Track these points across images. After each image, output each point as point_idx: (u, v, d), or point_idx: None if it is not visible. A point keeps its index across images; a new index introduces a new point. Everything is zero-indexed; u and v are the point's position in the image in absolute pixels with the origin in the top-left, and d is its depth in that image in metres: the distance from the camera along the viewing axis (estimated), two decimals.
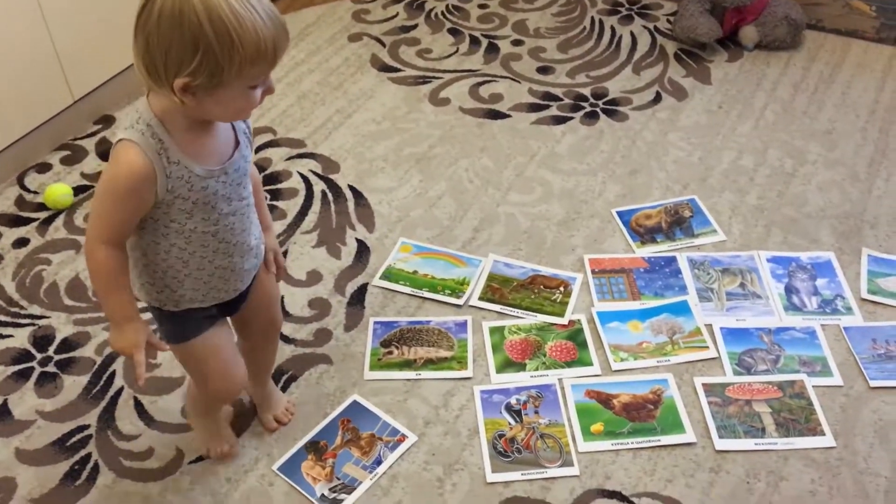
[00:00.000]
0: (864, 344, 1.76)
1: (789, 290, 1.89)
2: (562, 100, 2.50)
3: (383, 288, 1.93)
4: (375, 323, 1.85)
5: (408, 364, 1.76)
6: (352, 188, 2.21)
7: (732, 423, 1.62)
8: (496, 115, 2.45)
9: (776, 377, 1.70)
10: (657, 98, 2.49)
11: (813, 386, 1.68)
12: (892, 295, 1.87)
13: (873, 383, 1.68)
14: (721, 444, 1.59)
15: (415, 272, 1.96)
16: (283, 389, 1.71)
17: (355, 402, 1.68)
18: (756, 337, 1.79)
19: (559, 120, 2.42)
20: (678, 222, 2.07)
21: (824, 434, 1.60)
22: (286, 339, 1.81)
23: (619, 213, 2.10)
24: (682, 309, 1.85)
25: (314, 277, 1.97)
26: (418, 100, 2.51)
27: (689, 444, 1.59)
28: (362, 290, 1.93)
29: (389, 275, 1.96)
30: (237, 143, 1.21)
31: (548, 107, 2.47)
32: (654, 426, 1.62)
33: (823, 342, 1.77)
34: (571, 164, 2.27)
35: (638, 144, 2.33)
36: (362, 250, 2.03)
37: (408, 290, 1.92)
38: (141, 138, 1.11)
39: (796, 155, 2.27)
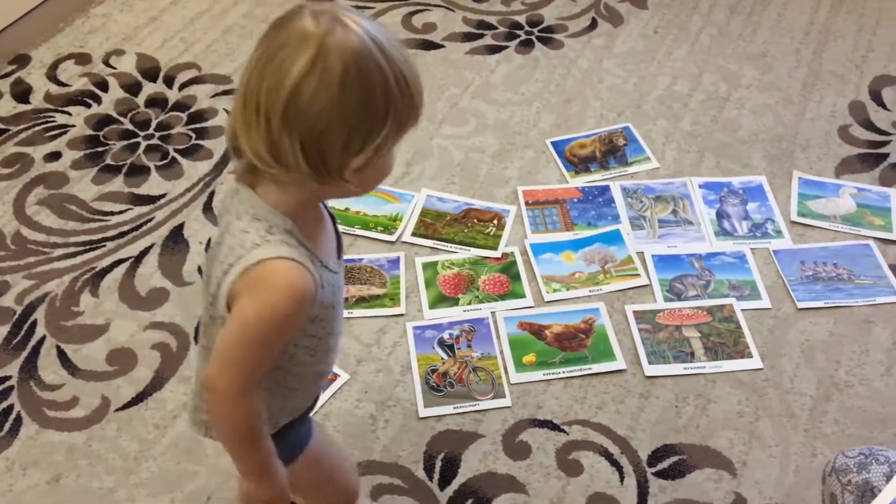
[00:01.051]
0: (793, 266, 1.78)
1: (720, 216, 1.89)
2: (496, 28, 2.44)
3: None
4: None
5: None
6: None
7: (662, 349, 1.63)
8: (429, 45, 2.38)
9: (706, 302, 1.71)
10: (593, 24, 2.44)
11: (742, 309, 1.70)
12: (822, 217, 1.88)
13: (801, 304, 1.71)
14: (650, 369, 1.60)
15: (346, 209, 1.92)
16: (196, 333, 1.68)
17: None
18: (687, 263, 1.79)
19: (494, 49, 2.37)
20: (612, 151, 2.05)
21: (752, 356, 1.62)
22: None
23: (554, 144, 2.08)
24: (615, 238, 1.84)
25: None
26: None
27: (619, 372, 1.60)
28: None
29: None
30: (333, 221, 1.03)
31: (482, 36, 2.42)
32: (585, 355, 1.63)
33: (753, 266, 1.78)
34: (506, 94, 2.23)
35: (573, 73, 2.29)
36: None
37: (340, 227, 1.88)
38: (292, 251, 0.86)
39: (731, 79, 2.25)
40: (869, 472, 1.03)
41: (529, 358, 1.63)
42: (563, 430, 1.52)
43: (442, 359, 1.63)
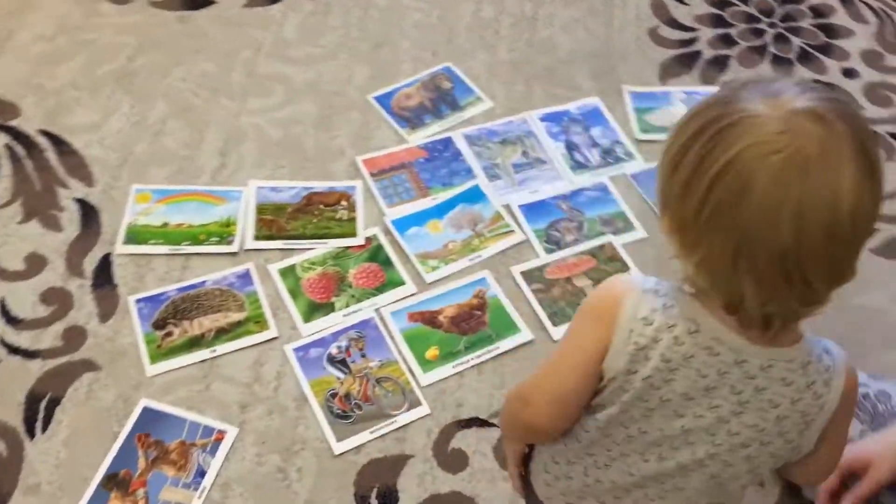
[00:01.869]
0: (652, 187, 1.74)
1: (570, 148, 1.81)
2: None
3: (132, 255, 1.57)
4: (138, 301, 1.50)
5: (196, 342, 1.46)
6: (45, 133, 1.74)
7: (561, 307, 1.54)
8: (197, 3, 2.03)
9: (586, 245, 1.64)
10: None
11: (622, 245, 1.65)
12: (663, 129, 1.86)
13: None
14: (556, 332, 1.51)
15: (165, 224, 1.61)
16: (47, 417, 1.35)
17: (147, 409, 1.37)
18: (554, 207, 1.70)
19: None
20: (441, 97, 1.88)
21: None
22: (27, 354, 1.42)
23: (378, 99, 1.87)
24: (476, 195, 1.70)
25: (36, 262, 1.55)
26: (93, 0, 2.01)
27: (527, 344, 1.50)
28: (106, 263, 1.55)
29: (134, 236, 1.59)
30: None
31: None
32: (488, 333, 1.50)
33: (617, 196, 1.73)
34: (305, 49, 1.96)
35: (371, 13, 2.06)
36: (88, 212, 1.62)
37: (164, 248, 1.57)
38: None
39: None
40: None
41: (432, 352, 1.47)
42: (492, 425, 1.40)
43: (338, 378, 1.43)
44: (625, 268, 1.60)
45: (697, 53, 2.04)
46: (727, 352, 0.77)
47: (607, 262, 1.61)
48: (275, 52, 1.94)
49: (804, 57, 2.04)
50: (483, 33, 2.04)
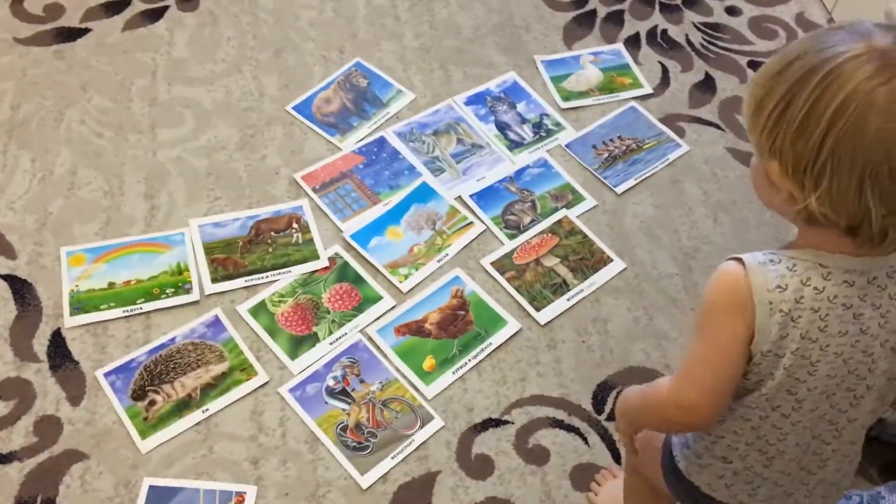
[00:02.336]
0: (589, 154, 1.78)
1: (501, 128, 1.81)
2: None
3: (85, 325, 1.45)
4: (107, 375, 1.39)
5: (184, 405, 1.37)
6: None
7: (538, 290, 1.56)
8: (71, 34, 1.86)
9: (545, 224, 1.65)
10: None
11: (576, 217, 1.67)
12: (582, 94, 1.89)
13: (619, 189, 1.72)
14: (542, 316, 1.53)
15: (111, 285, 1.49)
16: None
17: (154, 488, 1.28)
18: (504, 190, 1.70)
19: (153, 15, 1.92)
20: (361, 95, 1.83)
21: (612, 259, 1.62)
22: (1, 459, 1.29)
23: (297, 109, 1.79)
24: (426, 192, 1.68)
25: None
26: None
27: (517, 334, 1.50)
28: (58, 340, 1.42)
29: (81, 304, 1.46)
30: None
31: (126, 3, 1.94)
32: (477, 332, 1.50)
33: (559, 168, 1.75)
34: (204, 66, 1.84)
35: (262, 17, 1.96)
36: (20, 288, 1.48)
37: (118, 311, 1.46)
38: None
39: None
40: None
41: (429, 362, 1.45)
42: (506, 422, 1.40)
43: (343, 410, 1.39)
44: (586, 239, 1.63)
45: (593, 13, 2.07)
46: (859, 276, 0.83)
47: (568, 237, 1.64)
48: (172, 75, 1.82)
49: (689, 1, 2.12)
50: (384, 22, 1.98)
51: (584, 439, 1.40)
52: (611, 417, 1.42)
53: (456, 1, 2.06)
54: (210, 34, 1.90)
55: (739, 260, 0.84)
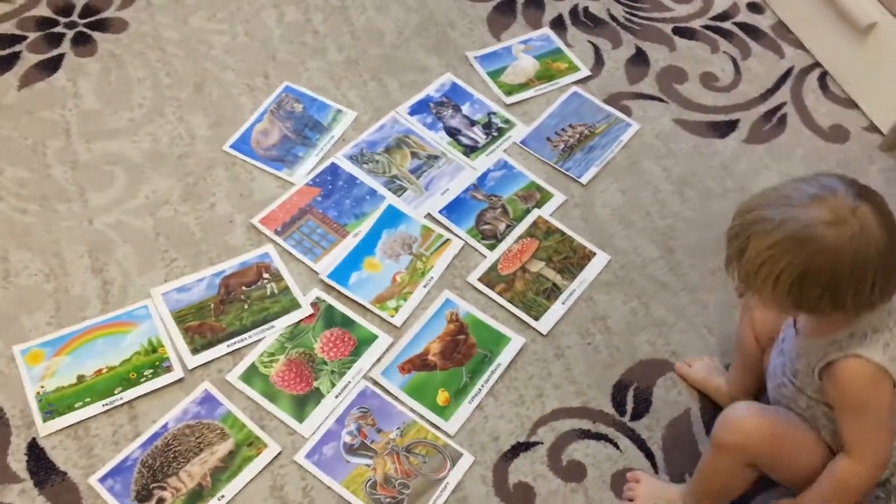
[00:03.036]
0: (545, 147, 1.74)
1: (451, 134, 1.74)
2: (26, 37, 1.79)
3: (63, 429, 1.30)
4: (102, 481, 1.26)
5: (196, 495, 1.26)
6: None
7: (531, 297, 1.52)
8: None
9: (521, 228, 1.61)
10: None
11: (549, 215, 1.63)
12: (523, 86, 1.84)
13: (583, 179, 1.70)
14: (542, 325, 1.48)
15: (81, 378, 1.35)
16: None
17: None
18: (471, 200, 1.64)
19: (49, 66, 1.74)
20: (299, 121, 1.72)
21: (595, 253, 1.59)
22: None
23: (235, 147, 1.67)
24: (394, 216, 1.60)
25: None
26: None
27: (523, 349, 1.46)
28: (36, 452, 1.28)
29: (53, 406, 1.31)
30: None
31: (16, 57, 1.75)
32: (483, 354, 1.44)
33: (520, 167, 1.70)
34: (120, 115, 1.69)
35: (170, 50, 1.81)
36: None
37: (97, 407, 1.32)
38: None
39: None
40: None
41: (443, 397, 1.39)
42: (535, 443, 1.36)
43: (368, 466, 1.31)
44: (565, 237, 1.60)
45: (513, 0, 2.02)
46: None
47: (547, 237, 1.60)
48: (88, 131, 1.65)
49: None
50: (302, 39, 1.87)
51: (615, 445, 1.37)
52: (635, 417, 1.40)
53: (371, 4, 1.96)
54: (118, 78, 1.74)
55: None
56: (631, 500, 1.30)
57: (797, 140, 1.81)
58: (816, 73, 1.94)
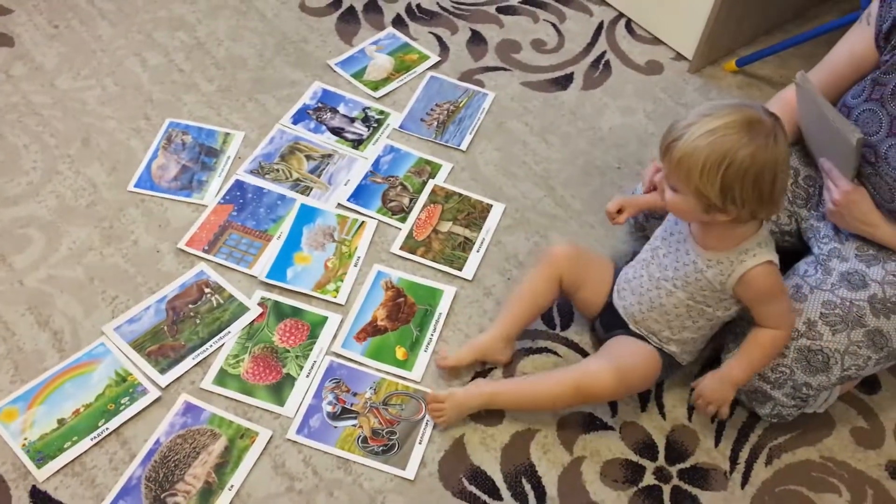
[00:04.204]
0: (421, 127, 1.93)
1: (336, 133, 1.90)
2: None
3: (60, 470, 1.35)
4: None
5: (208, 492, 1.34)
6: None
7: (449, 252, 1.69)
8: None
9: (423, 198, 1.78)
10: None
11: (443, 182, 1.82)
12: (385, 80, 2.03)
13: (462, 146, 1.90)
14: (466, 272, 1.67)
15: (61, 422, 1.40)
16: None
17: None
18: (372, 184, 1.81)
19: None
20: (192, 150, 1.82)
21: (491, 205, 1.79)
22: None
23: (140, 185, 1.75)
24: (308, 212, 1.73)
25: None
26: None
27: (456, 297, 1.63)
28: (41, 498, 1.32)
29: (43, 453, 1.36)
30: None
31: None
32: (424, 308, 1.61)
33: (405, 148, 1.88)
34: (17, 181, 1.73)
35: (47, 112, 1.85)
36: None
37: (87, 442, 1.38)
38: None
39: (176, 26, 2.09)
40: None
41: (401, 353, 1.54)
42: (490, 369, 1.54)
43: (355, 426, 1.44)
44: (463, 197, 1.79)
45: (352, 8, 2.20)
46: None
47: (448, 200, 1.79)
48: None
49: None
50: (171, 78, 1.97)
51: (556, 353, 1.57)
52: (564, 327, 1.61)
53: (226, 36, 2.08)
54: (2, 148, 1.77)
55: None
56: (443, 421, 1.43)
57: (624, 79, 2.11)
58: (622, 21, 2.25)
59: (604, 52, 2.17)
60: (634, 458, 1.45)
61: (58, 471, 1.34)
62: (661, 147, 1.22)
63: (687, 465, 1.45)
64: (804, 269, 1.46)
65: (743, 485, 1.44)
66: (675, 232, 1.38)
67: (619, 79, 2.10)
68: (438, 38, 2.15)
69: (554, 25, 2.23)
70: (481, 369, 1.53)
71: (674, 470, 1.44)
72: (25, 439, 1.36)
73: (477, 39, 2.16)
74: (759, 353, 1.37)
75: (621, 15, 2.27)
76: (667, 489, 1.42)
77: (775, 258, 1.31)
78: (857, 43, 1.43)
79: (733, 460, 1.46)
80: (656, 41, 2.20)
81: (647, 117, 2.01)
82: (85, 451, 1.37)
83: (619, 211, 1.51)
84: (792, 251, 1.59)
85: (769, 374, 1.38)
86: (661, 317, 1.41)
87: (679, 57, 2.17)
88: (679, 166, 1.19)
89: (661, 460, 1.45)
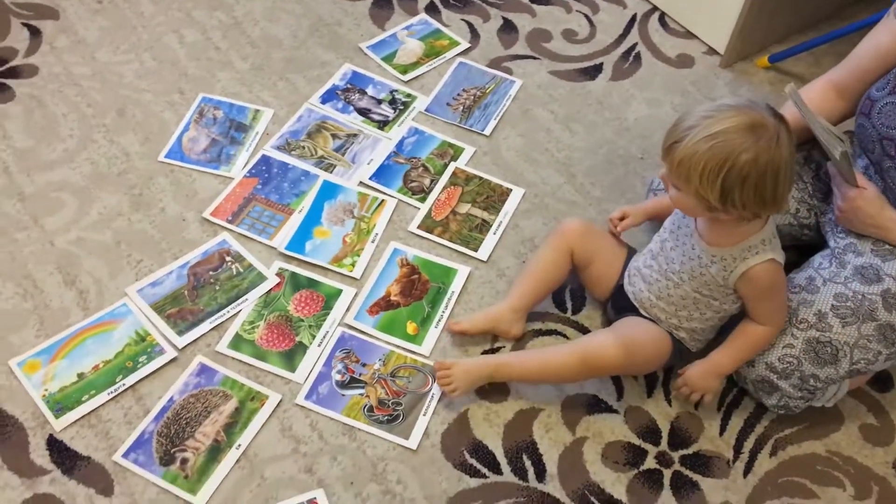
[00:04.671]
0: (446, 111, 1.96)
1: (363, 114, 1.93)
2: None
3: (76, 421, 1.40)
4: (125, 456, 1.38)
5: (216, 450, 1.39)
6: None
7: (466, 233, 1.72)
8: None
9: (444, 180, 1.81)
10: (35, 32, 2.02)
11: (465, 165, 1.85)
12: (414, 64, 2.06)
13: (486, 131, 1.92)
14: (481, 253, 1.69)
15: (81, 376, 1.45)
16: None
17: None
18: (395, 164, 1.84)
19: None
20: (223, 125, 1.87)
21: (511, 189, 1.81)
22: None
23: (170, 156, 1.80)
24: (330, 189, 1.77)
25: None
26: None
27: (470, 277, 1.66)
28: (58, 446, 1.38)
29: (61, 404, 1.42)
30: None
31: None
32: (437, 286, 1.63)
33: (430, 131, 1.91)
34: (54, 147, 1.79)
35: (86, 84, 1.92)
36: None
37: (104, 395, 1.43)
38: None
39: (216, 5, 2.14)
40: None
41: (412, 327, 1.57)
42: (499, 348, 1.56)
43: (361, 395, 1.48)
44: (483, 180, 1.82)
45: None
46: None
47: (468, 183, 1.81)
48: (27, 166, 1.75)
49: None
50: (207, 55, 2.02)
51: (565, 336, 1.59)
52: (575, 311, 1.62)
53: (262, 16, 2.13)
54: (43, 116, 1.84)
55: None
56: (452, 389, 1.43)
57: (654, 71, 2.11)
58: (656, 14, 2.25)
59: (635, 44, 2.17)
60: (637, 441, 1.46)
61: (74, 422, 1.40)
62: (662, 147, 1.23)
63: (689, 451, 1.46)
64: (819, 262, 1.46)
65: (745, 474, 1.44)
66: (682, 225, 1.39)
67: (648, 71, 2.11)
68: (470, 26, 2.17)
69: (587, 16, 2.23)
70: (490, 346, 1.55)
71: (676, 456, 1.45)
72: (46, 390, 1.42)
73: (508, 28, 2.18)
74: (747, 347, 1.38)
75: (655, 8, 2.27)
76: (667, 473, 1.42)
77: (780, 256, 1.31)
78: (883, 37, 1.42)
79: (737, 449, 1.46)
80: (689, 35, 2.20)
81: (675, 109, 2.01)
82: (102, 405, 1.42)
83: (622, 218, 1.53)
84: (811, 245, 1.58)
85: (776, 364, 1.38)
86: (668, 306, 1.42)
87: (711, 51, 2.17)
88: (679, 169, 1.20)
89: (664, 445, 1.46)
